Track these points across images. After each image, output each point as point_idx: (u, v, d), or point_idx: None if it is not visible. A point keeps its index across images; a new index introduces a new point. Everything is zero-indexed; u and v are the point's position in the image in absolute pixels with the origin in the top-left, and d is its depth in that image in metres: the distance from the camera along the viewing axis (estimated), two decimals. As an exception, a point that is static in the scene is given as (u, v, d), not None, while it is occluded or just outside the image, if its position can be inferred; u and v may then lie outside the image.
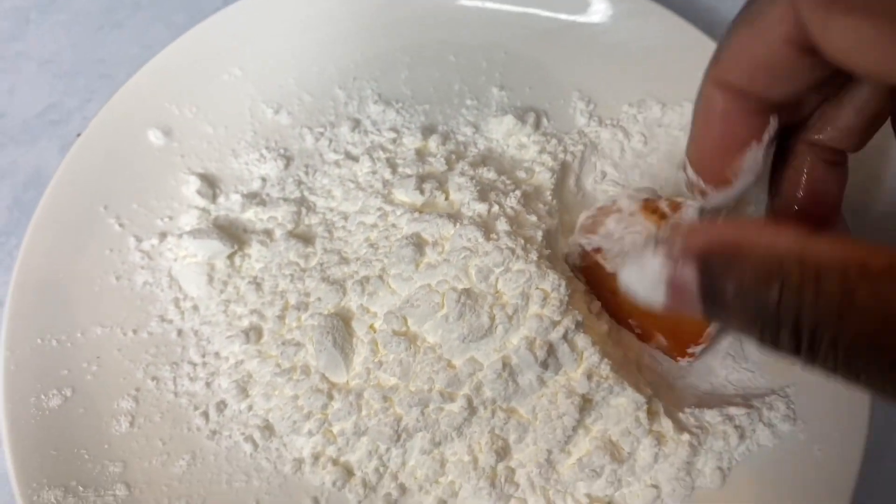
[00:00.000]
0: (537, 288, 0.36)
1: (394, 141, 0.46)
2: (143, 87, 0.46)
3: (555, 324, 0.36)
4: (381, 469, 0.38)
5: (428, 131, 0.46)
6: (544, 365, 0.36)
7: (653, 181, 0.44)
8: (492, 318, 0.36)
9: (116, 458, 0.39)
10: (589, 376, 0.36)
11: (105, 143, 0.45)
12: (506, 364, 0.36)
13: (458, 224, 0.38)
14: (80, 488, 0.37)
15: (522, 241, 0.37)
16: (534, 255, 0.37)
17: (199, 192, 0.44)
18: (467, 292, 0.36)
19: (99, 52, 0.54)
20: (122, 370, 0.41)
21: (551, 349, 0.36)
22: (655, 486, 0.37)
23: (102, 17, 0.55)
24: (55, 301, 0.41)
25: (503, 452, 0.37)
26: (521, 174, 0.43)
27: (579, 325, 0.37)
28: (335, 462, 0.38)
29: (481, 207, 0.39)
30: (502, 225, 0.38)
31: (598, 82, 0.48)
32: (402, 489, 0.38)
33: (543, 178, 0.43)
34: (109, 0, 0.56)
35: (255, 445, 0.39)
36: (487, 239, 0.37)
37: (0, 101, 0.53)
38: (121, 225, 0.44)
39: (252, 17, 0.48)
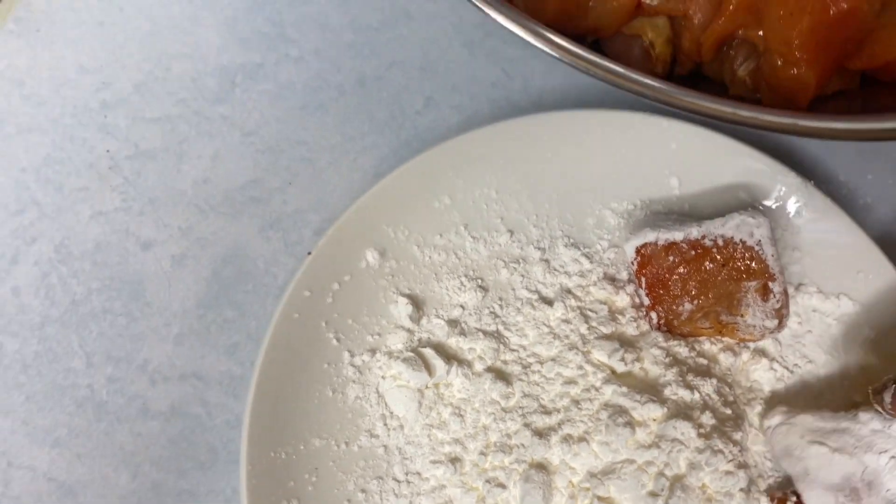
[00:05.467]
0: (741, 489, 0.43)
1: (582, 288, 0.51)
2: (367, 209, 0.49)
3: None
4: None
5: (613, 283, 0.51)
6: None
7: (805, 362, 0.50)
8: (697, 508, 0.42)
9: (333, 573, 0.44)
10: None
11: (330, 261, 0.48)
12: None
13: (665, 408, 0.44)
14: None
15: (731, 445, 0.43)
16: (741, 458, 0.43)
17: (409, 316, 0.49)
18: (681, 484, 0.42)
19: (301, 134, 0.55)
20: (336, 482, 0.46)
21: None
22: None
23: (307, 95, 0.55)
24: (284, 415, 0.46)
25: None
26: (706, 345, 0.49)
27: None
28: None
29: (685, 394, 0.45)
30: (708, 419, 0.44)
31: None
32: None
33: (727, 361, 0.48)
34: (313, 77, 0.56)
35: (453, 567, 0.45)
36: (698, 434, 0.43)
37: (204, 165, 0.54)
38: (338, 340, 0.48)
39: (464, 154, 0.51)
